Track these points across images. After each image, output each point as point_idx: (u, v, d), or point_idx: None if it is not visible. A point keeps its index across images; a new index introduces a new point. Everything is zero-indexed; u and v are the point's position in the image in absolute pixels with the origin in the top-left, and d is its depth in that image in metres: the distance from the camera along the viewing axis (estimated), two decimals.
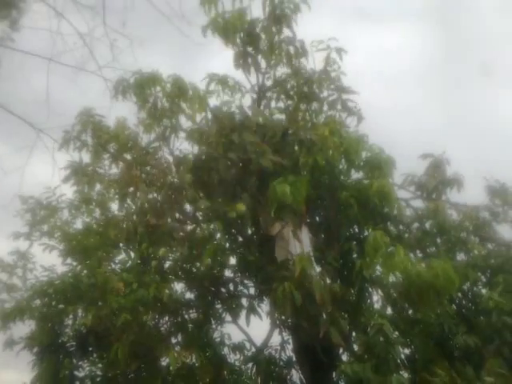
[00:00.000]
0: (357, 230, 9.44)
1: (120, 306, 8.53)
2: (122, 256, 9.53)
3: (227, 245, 9.35)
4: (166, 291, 8.70)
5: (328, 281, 8.50)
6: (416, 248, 9.43)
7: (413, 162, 10.06)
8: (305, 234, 8.81)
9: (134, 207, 9.22)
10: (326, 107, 9.47)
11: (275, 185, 8.04)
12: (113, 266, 9.53)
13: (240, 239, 9.48)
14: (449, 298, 8.80)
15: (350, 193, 9.09)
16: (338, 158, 9.09)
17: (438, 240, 9.57)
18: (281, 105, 9.39)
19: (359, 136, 9.33)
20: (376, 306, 9.06)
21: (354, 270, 8.43)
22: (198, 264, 9.20)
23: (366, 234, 9.23)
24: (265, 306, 9.47)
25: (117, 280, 8.72)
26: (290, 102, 9.34)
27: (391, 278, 8.42)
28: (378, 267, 8.43)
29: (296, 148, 9.01)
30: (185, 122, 9.41)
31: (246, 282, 9.55)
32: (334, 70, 9.47)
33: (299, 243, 8.64)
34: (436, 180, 9.68)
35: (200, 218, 9.22)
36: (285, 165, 8.76)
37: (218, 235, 9.22)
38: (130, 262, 9.39)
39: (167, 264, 9.39)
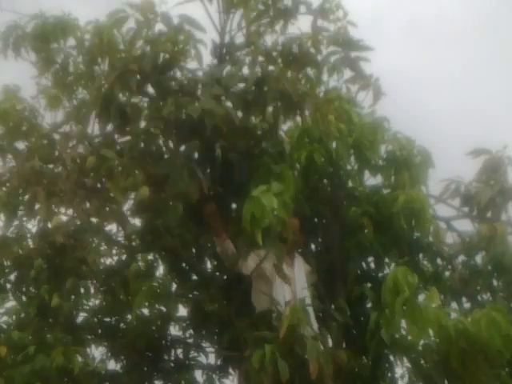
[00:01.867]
0: (373, 265, 7.12)
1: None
2: (10, 303, 6.76)
3: (174, 286, 6.67)
4: (79, 358, 6.18)
5: (330, 343, 6.35)
6: (461, 294, 7.16)
7: (457, 162, 7.60)
8: (299, 269, 6.49)
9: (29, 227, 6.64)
10: (326, 75, 6.85)
11: (258, 196, 5.67)
12: None
13: (194, 277, 6.80)
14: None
15: (362, 208, 6.91)
16: (346, 154, 6.75)
17: (495, 282, 7.25)
18: (258, 71, 6.56)
19: (377, 120, 6.95)
20: None
21: (368, 328, 6.32)
22: (129, 316, 6.70)
23: (386, 271, 7.00)
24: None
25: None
26: (271, 68, 6.60)
27: (422, 340, 6.35)
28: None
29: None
30: None
31: (202, 344, 6.92)
32: (337, 18, 6.82)
33: (289, 285, 6.28)
34: (493, 190, 7.23)
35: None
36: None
37: (161, 271, 6.62)
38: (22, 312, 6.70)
39: (80, 316, 6.78)
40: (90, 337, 6.65)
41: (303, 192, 6.54)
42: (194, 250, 6.64)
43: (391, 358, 6.82)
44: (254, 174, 6.31)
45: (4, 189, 6.51)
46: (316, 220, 7.01)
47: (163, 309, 6.51)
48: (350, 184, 7.13)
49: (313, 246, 7.07)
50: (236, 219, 6.12)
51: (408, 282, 5.96)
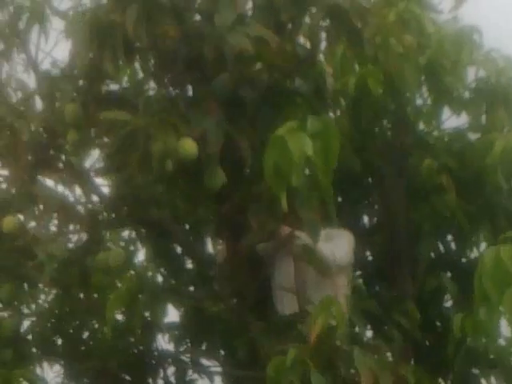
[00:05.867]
0: (454, 244, 5.79)
1: None
2: None
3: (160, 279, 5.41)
4: None
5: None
6: None
7: None
8: (342, 247, 4.99)
9: None
10: None
11: (283, 137, 4.21)
12: None
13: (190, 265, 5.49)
14: None
15: (440, 161, 5.59)
16: (415, 82, 5.39)
17: None
18: None
19: (463, 31, 5.63)
20: None
21: (450, 336, 5.07)
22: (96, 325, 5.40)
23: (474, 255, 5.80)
24: None
25: None
26: None
27: None
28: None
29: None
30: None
31: (203, 362, 5.52)
32: None
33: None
34: None
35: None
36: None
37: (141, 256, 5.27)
38: None
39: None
40: (38, 351, 5.28)
41: (351, 139, 5.14)
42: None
43: (483, 381, 5.54)
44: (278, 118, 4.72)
45: None
46: (370, 180, 5.64)
47: (146, 313, 5.12)
48: (422, 126, 5.76)
49: (365, 219, 5.68)
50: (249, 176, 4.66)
51: None
